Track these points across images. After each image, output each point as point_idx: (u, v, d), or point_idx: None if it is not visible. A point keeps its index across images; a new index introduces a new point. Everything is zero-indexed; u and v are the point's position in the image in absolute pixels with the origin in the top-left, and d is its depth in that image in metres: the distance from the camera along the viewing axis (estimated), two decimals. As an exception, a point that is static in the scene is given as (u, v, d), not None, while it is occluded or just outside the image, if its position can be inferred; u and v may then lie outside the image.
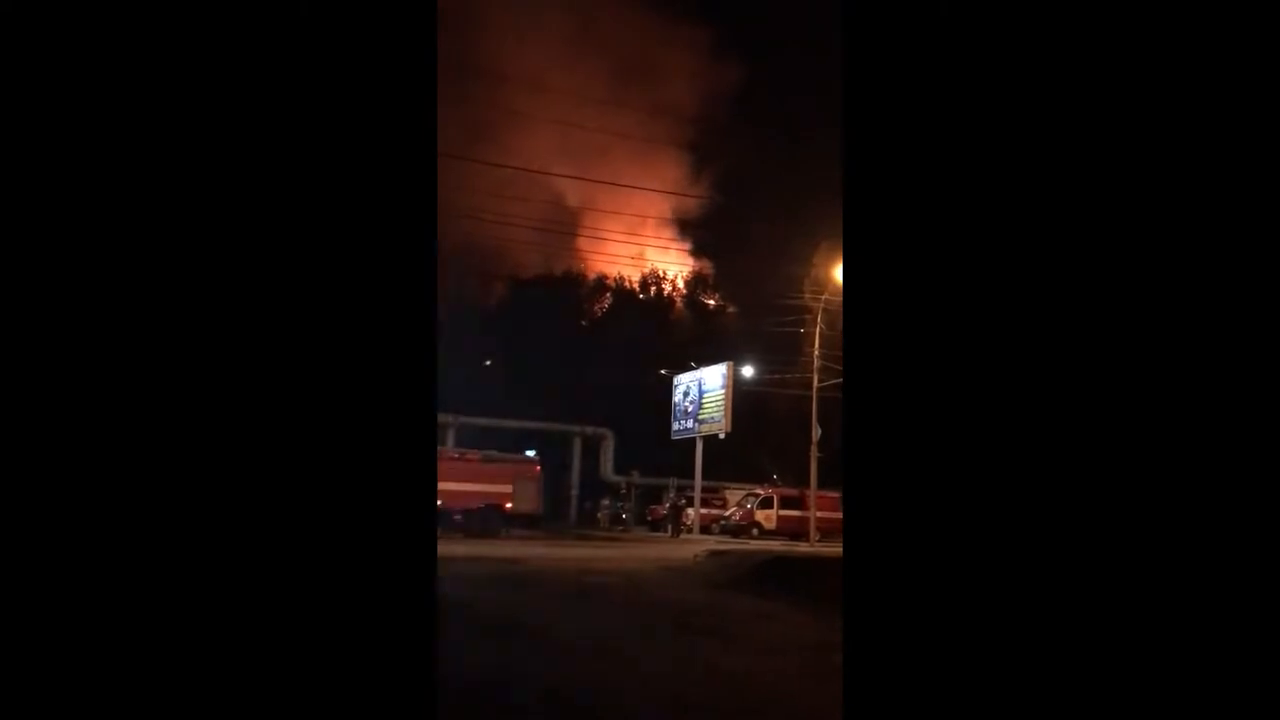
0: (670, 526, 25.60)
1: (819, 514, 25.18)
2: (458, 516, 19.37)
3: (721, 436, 27.83)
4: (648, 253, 43.84)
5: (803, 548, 20.62)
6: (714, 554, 13.76)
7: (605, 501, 28.40)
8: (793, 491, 26.97)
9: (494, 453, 22.66)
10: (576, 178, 39.65)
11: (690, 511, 27.12)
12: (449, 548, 10.97)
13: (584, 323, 40.78)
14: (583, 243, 38.78)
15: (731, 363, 28.54)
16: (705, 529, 26.20)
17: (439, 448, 19.74)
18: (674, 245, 45.54)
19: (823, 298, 26.68)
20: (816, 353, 26.09)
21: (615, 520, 27.22)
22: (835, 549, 18.41)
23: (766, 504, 26.51)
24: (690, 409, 29.68)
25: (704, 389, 29.05)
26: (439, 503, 17.14)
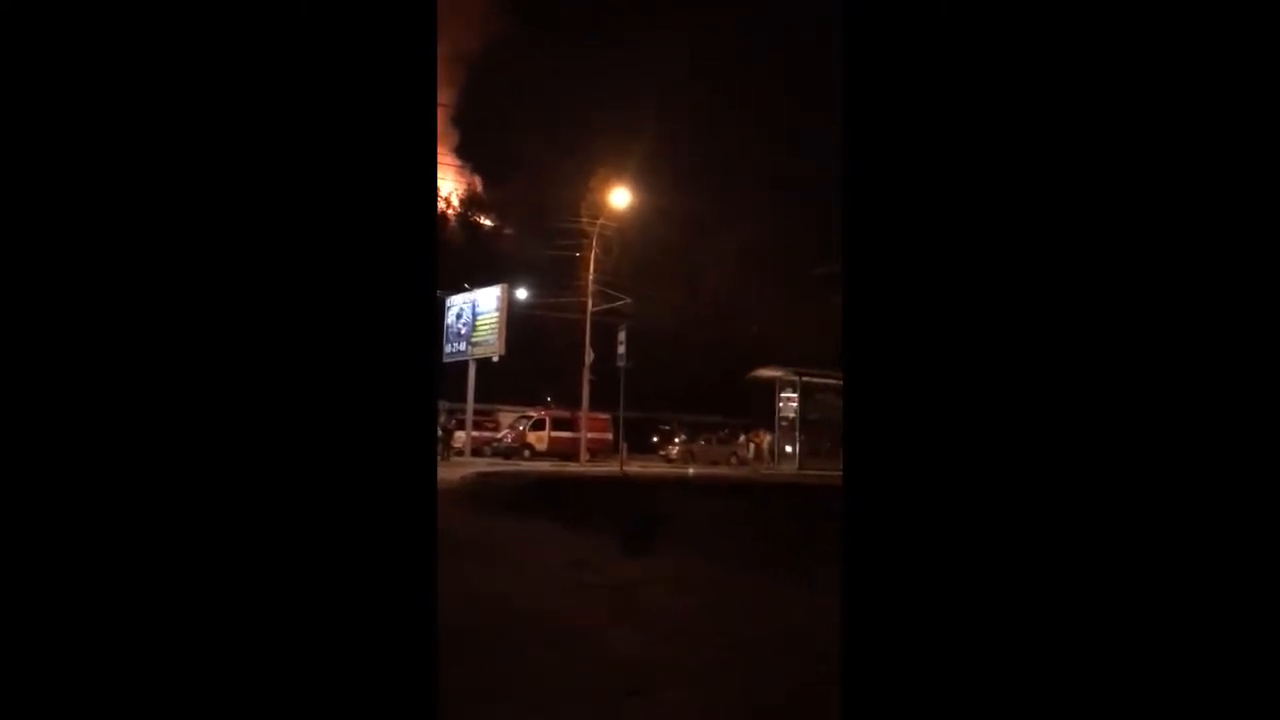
0: (440, 449, 25.25)
1: (589, 435, 25.78)
2: None
3: (495, 359, 27.63)
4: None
5: (572, 468, 21.04)
6: (482, 476, 13.69)
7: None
8: (564, 413, 27.41)
9: None
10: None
11: (461, 434, 26.87)
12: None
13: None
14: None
15: (506, 285, 28.23)
16: (477, 451, 26.10)
17: None
18: (447, 161, 44.00)
19: (598, 222, 26.84)
20: (591, 277, 26.34)
21: None
22: (602, 468, 18.92)
23: (538, 426, 26.78)
24: (464, 331, 29.15)
25: (478, 311, 28.58)
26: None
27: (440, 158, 43.22)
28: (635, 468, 17.39)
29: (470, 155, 45.76)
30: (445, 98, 43.35)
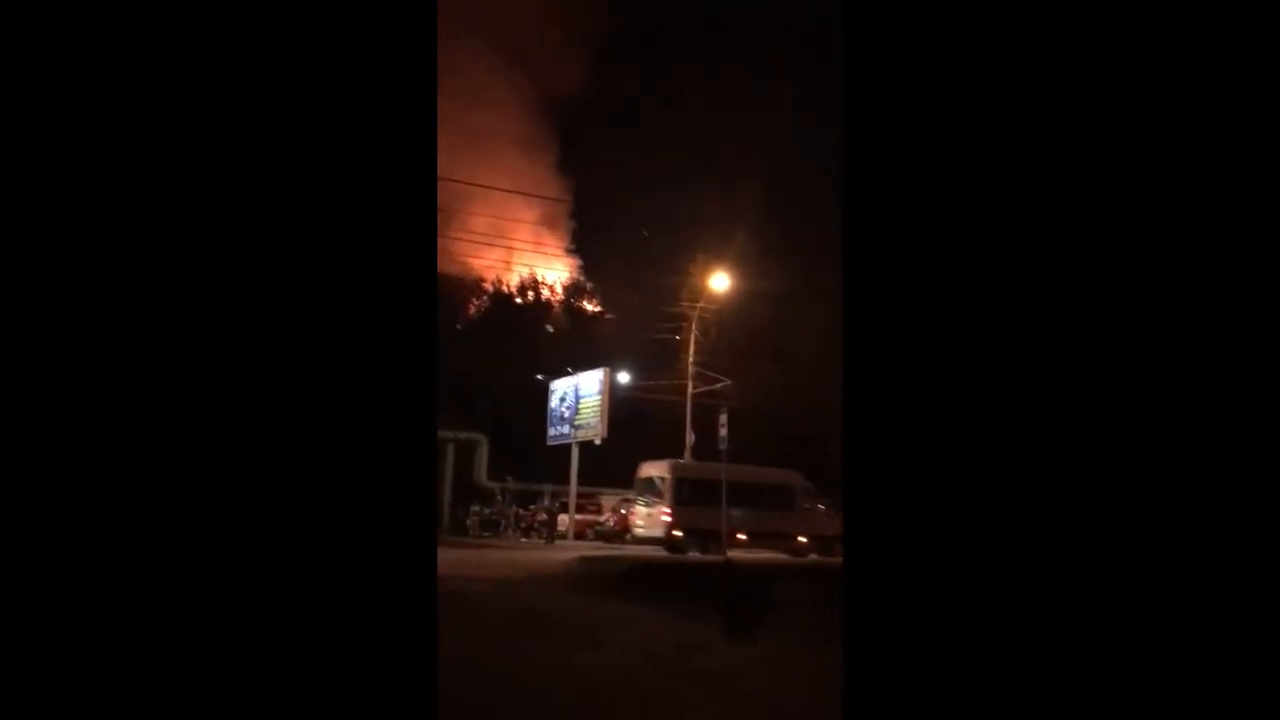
0: (545, 532, 25.43)
1: (692, 518, 25.43)
2: None
3: (598, 442, 27.83)
4: (526, 257, 43.53)
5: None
6: (585, 560, 13.73)
7: (475, 508, 27.89)
8: (667, 497, 27.16)
9: None
10: (452, 180, 38.96)
11: (564, 517, 26.97)
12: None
13: (458, 326, 40.07)
14: (457, 245, 38.21)
15: (608, 368, 28.61)
16: (580, 535, 26.09)
17: None
18: (553, 251, 45.46)
19: (698, 305, 27.12)
20: (691, 360, 26.48)
21: (486, 526, 26.78)
22: (705, 555, 18.64)
23: (641, 509, 26.62)
24: (567, 414, 29.57)
25: (580, 395, 29.00)
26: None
27: (545, 247, 44.65)
28: (739, 554, 17.10)
29: (575, 244, 47.33)
30: (552, 190, 45.09)
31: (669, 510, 18.61)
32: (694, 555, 16.91)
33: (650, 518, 19.23)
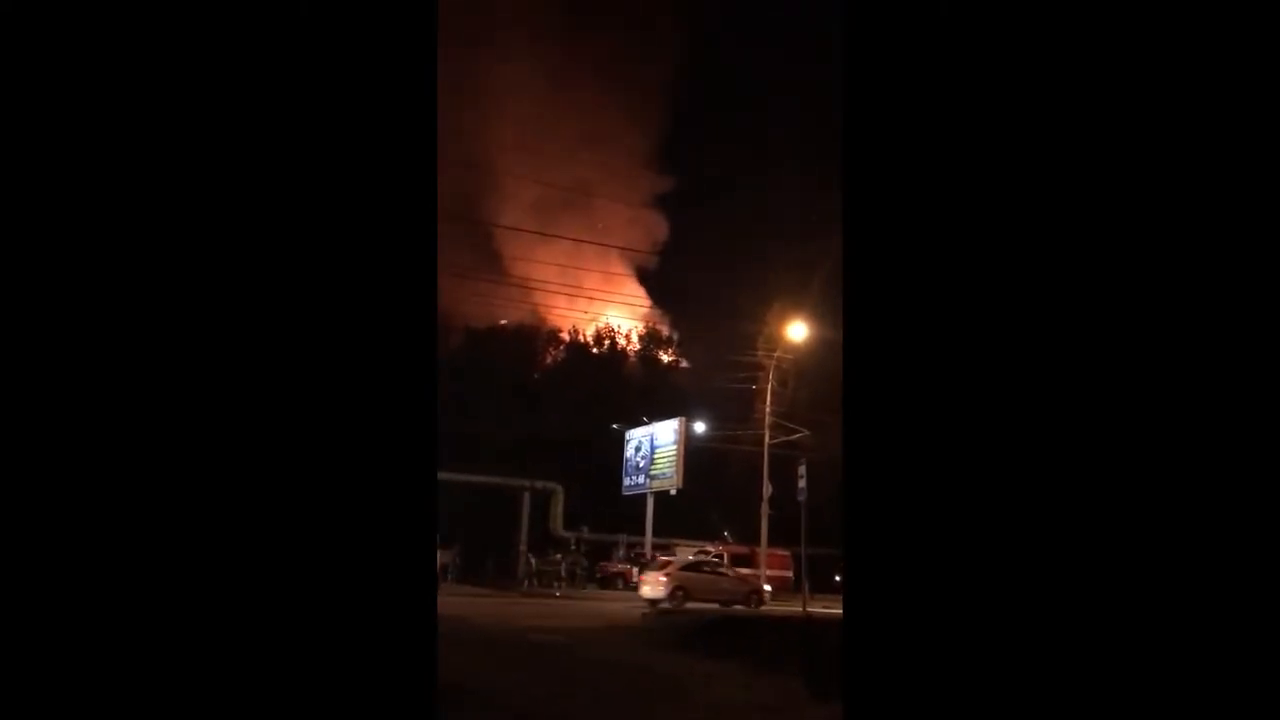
0: (623, 583, 25.23)
1: (769, 572, 25.03)
2: None
3: (673, 493, 27.65)
4: (601, 307, 44.02)
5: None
6: (663, 613, 13.56)
7: (557, 556, 27.80)
8: (743, 549, 26.82)
9: None
10: (531, 231, 39.88)
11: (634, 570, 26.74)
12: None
13: (535, 375, 40.55)
14: (533, 295, 38.87)
15: (684, 418, 28.51)
16: (655, 586, 25.81)
17: None
18: (629, 300, 45.86)
19: (775, 354, 26.93)
20: (768, 409, 26.21)
21: (549, 577, 26.32)
22: (784, 607, 18.22)
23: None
24: (642, 464, 29.50)
25: (656, 444, 28.94)
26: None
27: (619, 295, 45.09)
28: (818, 608, 16.65)
29: (651, 292, 47.72)
30: (627, 239, 45.70)
31: None
32: (771, 610, 16.52)
33: None
